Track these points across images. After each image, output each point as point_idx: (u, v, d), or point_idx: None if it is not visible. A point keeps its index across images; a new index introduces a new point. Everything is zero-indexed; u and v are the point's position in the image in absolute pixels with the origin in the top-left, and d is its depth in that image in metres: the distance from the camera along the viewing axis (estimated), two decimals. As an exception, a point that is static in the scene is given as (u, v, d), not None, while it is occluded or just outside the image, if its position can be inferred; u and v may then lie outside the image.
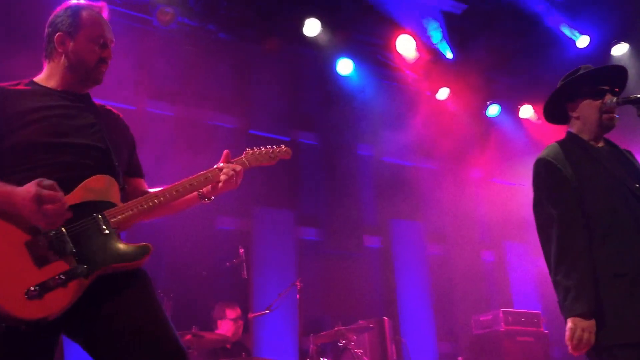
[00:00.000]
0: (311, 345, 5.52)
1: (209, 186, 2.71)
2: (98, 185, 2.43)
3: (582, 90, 3.12)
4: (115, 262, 2.33)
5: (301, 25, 7.74)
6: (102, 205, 2.40)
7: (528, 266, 9.15)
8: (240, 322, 5.88)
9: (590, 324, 2.72)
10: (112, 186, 2.47)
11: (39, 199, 2.15)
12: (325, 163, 8.45)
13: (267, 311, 5.77)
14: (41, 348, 2.27)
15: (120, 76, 6.68)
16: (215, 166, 2.71)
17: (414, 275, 8.50)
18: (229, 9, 7.64)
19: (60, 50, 2.58)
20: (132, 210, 2.45)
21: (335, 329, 5.71)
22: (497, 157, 9.46)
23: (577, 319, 2.73)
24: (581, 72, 3.15)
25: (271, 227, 7.68)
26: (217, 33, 7.75)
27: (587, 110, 3.10)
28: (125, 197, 2.58)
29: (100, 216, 2.37)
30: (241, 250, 5.65)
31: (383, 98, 8.74)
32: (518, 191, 9.16)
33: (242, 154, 2.85)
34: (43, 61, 2.65)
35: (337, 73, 8.41)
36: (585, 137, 3.11)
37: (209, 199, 2.74)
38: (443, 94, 8.97)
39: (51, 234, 2.23)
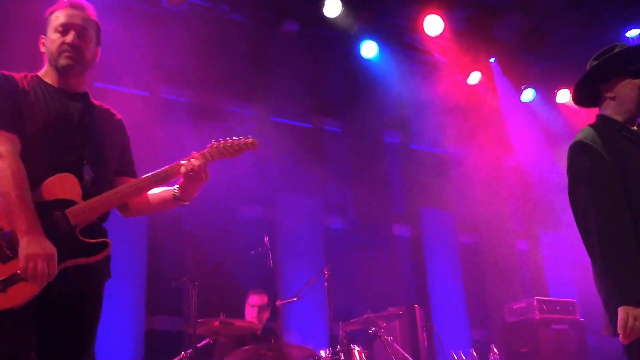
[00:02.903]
0: (341, 332, 5.62)
1: (181, 188, 2.89)
2: (60, 184, 2.66)
3: (619, 69, 3.09)
4: (72, 258, 2.62)
5: (321, 5, 7.60)
6: (63, 204, 2.65)
7: (564, 255, 9.21)
8: (264, 310, 6.04)
9: None
10: (74, 184, 2.68)
11: (49, 259, 2.49)
12: (351, 150, 8.54)
13: (294, 299, 5.90)
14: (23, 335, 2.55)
15: (131, 62, 6.78)
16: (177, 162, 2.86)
17: (445, 264, 8.61)
18: (242, -14, 7.56)
19: (42, 50, 2.91)
20: (91, 207, 2.68)
21: (365, 316, 5.80)
22: (531, 143, 9.47)
23: (629, 307, 2.70)
24: (617, 49, 3.12)
25: (297, 215, 7.83)
26: (230, 14, 7.70)
27: (624, 89, 3.07)
28: None
29: (61, 214, 2.62)
30: (266, 239, 5.76)
31: (410, 82, 8.76)
32: (553, 178, 9.19)
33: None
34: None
35: (360, 56, 8.38)
36: (619, 118, 3.08)
37: (182, 201, 2.91)
38: (474, 78, 8.99)
39: (11, 233, 2.52)
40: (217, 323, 5.20)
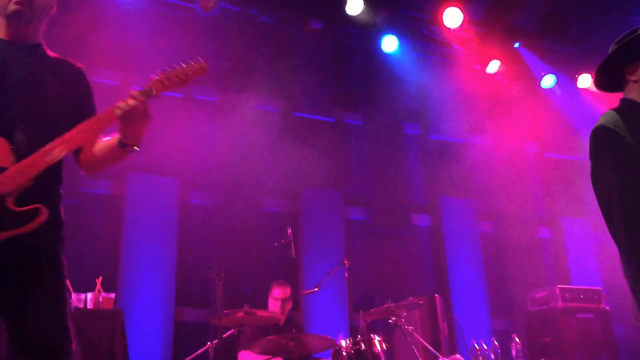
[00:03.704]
0: (361, 322, 5.73)
1: (122, 132, 2.60)
2: None
3: None
4: (3, 231, 2.35)
5: (344, 4, 7.92)
6: None
7: (587, 242, 9.23)
8: (287, 302, 6.17)
9: None
10: (3, 148, 2.45)
11: None
12: (372, 143, 8.72)
13: (316, 289, 6.03)
14: None
15: (165, 64, 7.05)
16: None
17: (466, 253, 8.69)
18: (269, -9, 7.94)
19: None
20: (20, 170, 2.42)
21: (385, 305, 5.83)
22: (552, 130, 9.48)
23: None
24: None
25: (319, 207, 8.03)
26: (258, 17, 8.08)
27: None
28: (76, 152, 2.72)
29: None
30: (289, 231, 5.90)
31: (429, 74, 8.86)
32: (575, 165, 9.21)
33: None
34: None
35: (381, 51, 8.57)
36: None
37: (128, 146, 2.62)
38: (493, 67, 9.06)
39: None
40: (241, 314, 5.30)
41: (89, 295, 5.13)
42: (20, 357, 2.41)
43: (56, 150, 2.47)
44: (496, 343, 6.49)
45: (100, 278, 5.27)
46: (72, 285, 5.04)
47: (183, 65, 2.68)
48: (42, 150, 2.45)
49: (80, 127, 2.53)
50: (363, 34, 8.56)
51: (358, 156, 8.69)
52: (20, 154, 2.44)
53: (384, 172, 8.52)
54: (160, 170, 7.18)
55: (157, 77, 2.62)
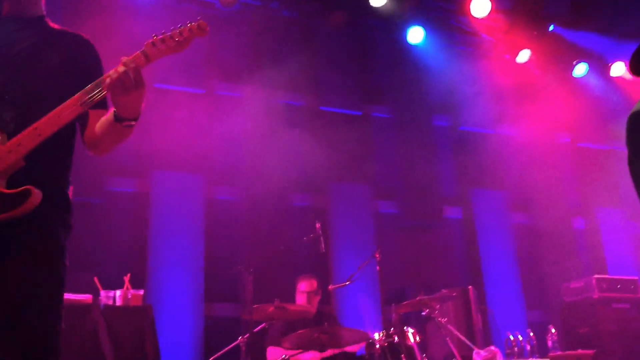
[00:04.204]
0: (394, 315, 5.70)
1: (115, 104, 2.36)
2: None
3: None
4: None
5: None
6: None
7: (623, 232, 9.08)
8: (314, 295, 6.16)
9: None
10: None
11: None
12: (400, 135, 8.67)
13: (347, 283, 5.99)
14: None
15: (187, 61, 7.12)
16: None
17: (499, 245, 8.61)
18: (291, -16, 7.91)
19: None
20: (9, 150, 2.22)
21: (418, 298, 5.77)
22: (584, 119, 9.34)
23: None
24: None
25: (347, 201, 8.00)
26: (280, 10, 8.06)
27: None
28: (83, 130, 2.52)
29: None
30: (318, 225, 5.88)
31: (457, 65, 8.80)
32: (609, 154, 9.07)
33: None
34: None
35: (407, 42, 8.50)
36: None
37: (125, 120, 2.36)
38: (523, 56, 8.93)
39: None
40: (271, 308, 5.31)
41: (118, 292, 5.14)
42: None
43: (46, 124, 2.26)
44: (532, 334, 6.42)
45: (129, 275, 5.28)
46: (100, 282, 5.08)
47: (180, 26, 2.42)
48: (32, 126, 2.26)
49: (70, 100, 2.30)
50: (388, 26, 8.50)
51: (386, 149, 8.63)
52: (9, 132, 2.25)
53: (413, 165, 8.46)
54: (185, 166, 7.19)
55: (151, 40, 2.35)
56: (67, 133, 2.45)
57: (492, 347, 5.94)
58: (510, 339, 6.32)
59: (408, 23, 8.40)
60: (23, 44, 2.44)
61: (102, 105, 2.46)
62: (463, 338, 6.07)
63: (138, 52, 2.33)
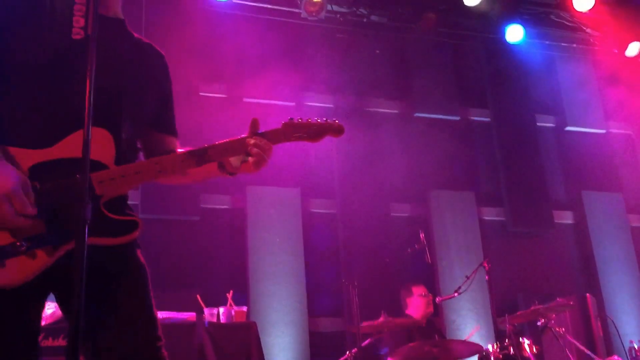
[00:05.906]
0: (507, 325, 5.52)
1: (234, 159, 2.30)
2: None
3: None
4: (91, 236, 1.79)
5: None
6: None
7: None
8: (430, 297, 6.07)
9: None
10: (107, 143, 2.08)
11: (8, 198, 1.86)
12: (502, 139, 8.44)
13: (455, 294, 5.85)
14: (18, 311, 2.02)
15: (275, 74, 7.16)
16: (241, 136, 2.28)
17: (616, 249, 8.23)
18: (378, -12, 7.81)
19: None
20: (124, 175, 2.07)
21: (532, 308, 5.65)
22: None
23: None
24: None
25: (450, 209, 7.81)
26: (368, 16, 7.96)
27: None
28: (147, 154, 2.37)
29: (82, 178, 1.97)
30: (422, 235, 5.77)
31: (561, 62, 8.51)
32: None
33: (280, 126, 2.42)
34: None
35: (505, 42, 8.26)
36: None
37: (232, 174, 2.32)
38: (633, 49, 8.50)
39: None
40: (379, 322, 5.26)
41: (221, 309, 5.17)
42: None
43: (172, 166, 2.17)
44: (656, 342, 6.10)
45: (231, 292, 5.31)
46: (203, 300, 5.13)
47: (317, 119, 2.44)
48: (155, 160, 2.15)
49: (203, 148, 2.21)
50: (483, 26, 8.30)
51: (488, 154, 8.42)
52: (120, 154, 2.11)
53: (517, 169, 8.21)
54: (280, 180, 7.18)
55: (291, 124, 2.39)
56: (133, 155, 2.33)
57: (615, 357, 5.79)
58: (634, 347, 6.06)
59: (506, 21, 8.16)
60: (121, 51, 2.25)
61: (171, 132, 2.44)
62: (583, 348, 5.83)
63: (278, 129, 2.36)
